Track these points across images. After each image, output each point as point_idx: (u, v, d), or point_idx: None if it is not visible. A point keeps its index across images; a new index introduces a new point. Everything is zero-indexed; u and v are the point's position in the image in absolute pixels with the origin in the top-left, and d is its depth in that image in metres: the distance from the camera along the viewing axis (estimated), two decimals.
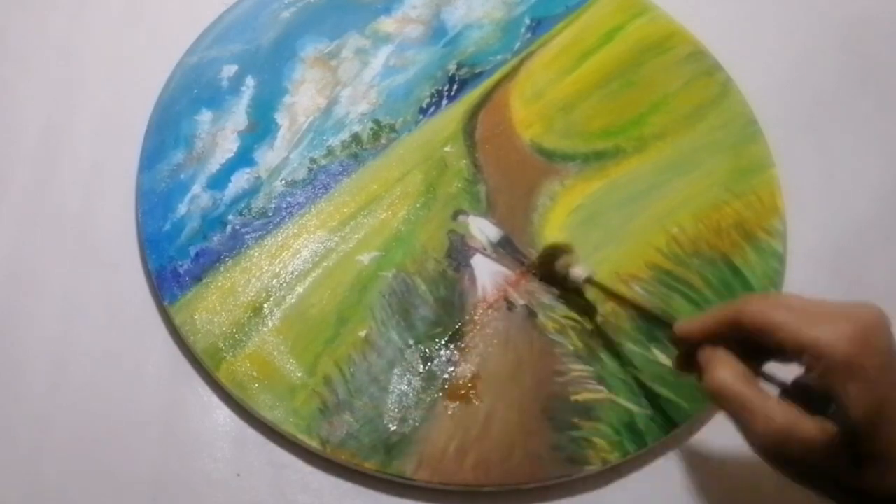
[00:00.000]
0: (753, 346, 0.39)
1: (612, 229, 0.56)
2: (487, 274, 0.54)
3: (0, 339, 0.52)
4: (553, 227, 0.56)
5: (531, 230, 0.56)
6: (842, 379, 0.35)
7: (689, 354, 0.43)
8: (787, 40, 0.68)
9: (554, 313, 0.52)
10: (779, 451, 0.37)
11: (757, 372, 0.40)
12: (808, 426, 0.36)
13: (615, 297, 0.51)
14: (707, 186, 0.58)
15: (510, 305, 0.53)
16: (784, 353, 0.37)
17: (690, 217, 0.57)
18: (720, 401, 0.39)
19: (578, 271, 0.51)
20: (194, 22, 0.63)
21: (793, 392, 0.39)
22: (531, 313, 0.52)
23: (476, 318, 0.52)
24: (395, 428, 0.48)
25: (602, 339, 0.52)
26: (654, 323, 0.50)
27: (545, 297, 0.53)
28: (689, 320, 0.43)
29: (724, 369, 0.39)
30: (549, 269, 0.52)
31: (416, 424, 0.48)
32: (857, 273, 0.57)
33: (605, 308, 0.53)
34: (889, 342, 0.36)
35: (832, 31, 0.68)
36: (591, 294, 0.52)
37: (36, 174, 0.57)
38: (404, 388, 0.50)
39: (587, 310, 0.52)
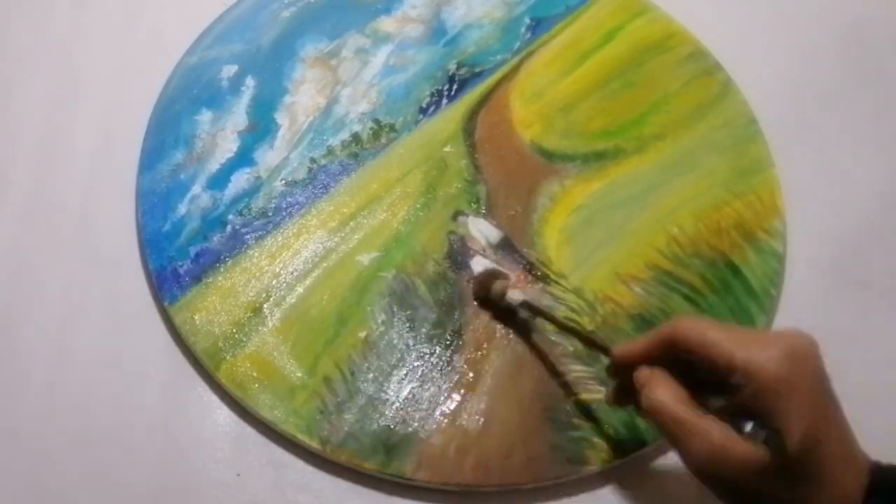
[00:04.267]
0: (686, 367, 0.39)
1: (612, 229, 0.56)
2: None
3: (0, 339, 0.52)
4: (553, 227, 0.56)
5: (531, 231, 0.56)
6: (773, 400, 0.35)
7: (623, 387, 0.43)
8: (787, 40, 0.68)
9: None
10: (714, 470, 0.37)
11: (691, 393, 0.40)
12: (745, 446, 0.36)
13: (551, 320, 0.50)
14: (707, 186, 0.58)
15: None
16: (715, 371, 0.37)
17: (690, 217, 0.57)
18: (658, 419, 0.39)
19: (515, 294, 0.50)
20: (194, 22, 0.63)
21: (726, 415, 0.38)
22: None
23: (475, 319, 0.52)
24: (395, 428, 0.48)
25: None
26: (592, 348, 0.49)
27: (545, 298, 0.53)
28: (626, 343, 0.43)
29: (662, 388, 0.39)
30: (485, 291, 0.52)
31: (416, 424, 0.48)
32: (857, 273, 0.57)
33: (605, 308, 0.53)
34: (818, 368, 0.36)
35: (832, 31, 0.68)
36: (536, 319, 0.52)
37: (36, 174, 0.57)
38: (404, 388, 0.50)
39: (524, 329, 0.52)
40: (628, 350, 0.42)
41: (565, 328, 0.50)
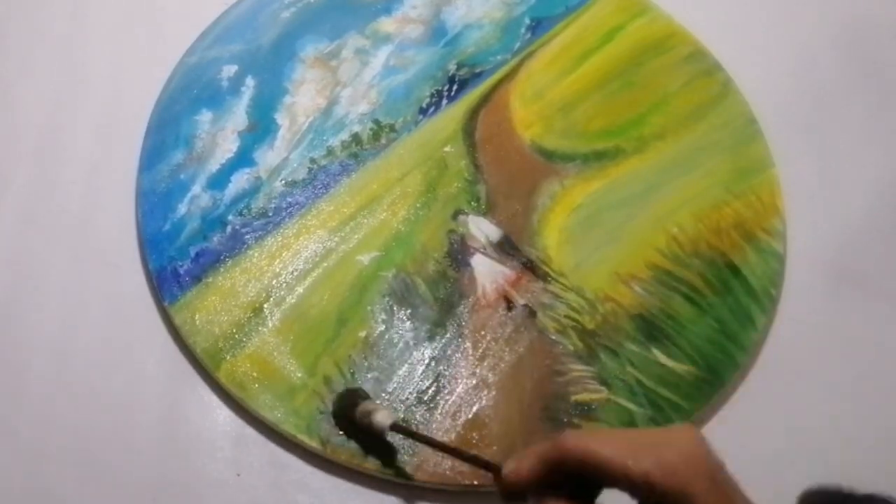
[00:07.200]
0: (580, 480, 0.37)
1: (612, 229, 0.56)
2: (487, 273, 0.54)
3: (1, 339, 0.52)
4: (553, 226, 0.56)
5: (531, 230, 0.56)
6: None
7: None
8: (787, 40, 0.68)
9: (554, 313, 0.53)
10: None
11: None
12: None
13: (427, 442, 0.46)
14: (707, 187, 0.58)
15: (510, 305, 0.53)
16: (614, 485, 0.36)
17: (690, 217, 0.57)
18: None
19: (382, 418, 0.44)
20: (194, 22, 0.63)
21: None
22: (531, 313, 0.52)
23: (476, 317, 0.52)
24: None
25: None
26: (479, 468, 0.43)
27: (545, 296, 0.53)
28: (514, 466, 0.39)
29: None
30: (346, 414, 0.47)
31: (416, 424, 0.48)
32: (856, 273, 0.57)
33: (605, 307, 0.53)
34: (713, 462, 0.36)
35: (832, 31, 0.68)
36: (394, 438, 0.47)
37: (36, 174, 0.57)
38: (404, 388, 0.50)
39: (389, 453, 0.48)
40: (516, 473, 0.38)
41: (445, 450, 0.46)
